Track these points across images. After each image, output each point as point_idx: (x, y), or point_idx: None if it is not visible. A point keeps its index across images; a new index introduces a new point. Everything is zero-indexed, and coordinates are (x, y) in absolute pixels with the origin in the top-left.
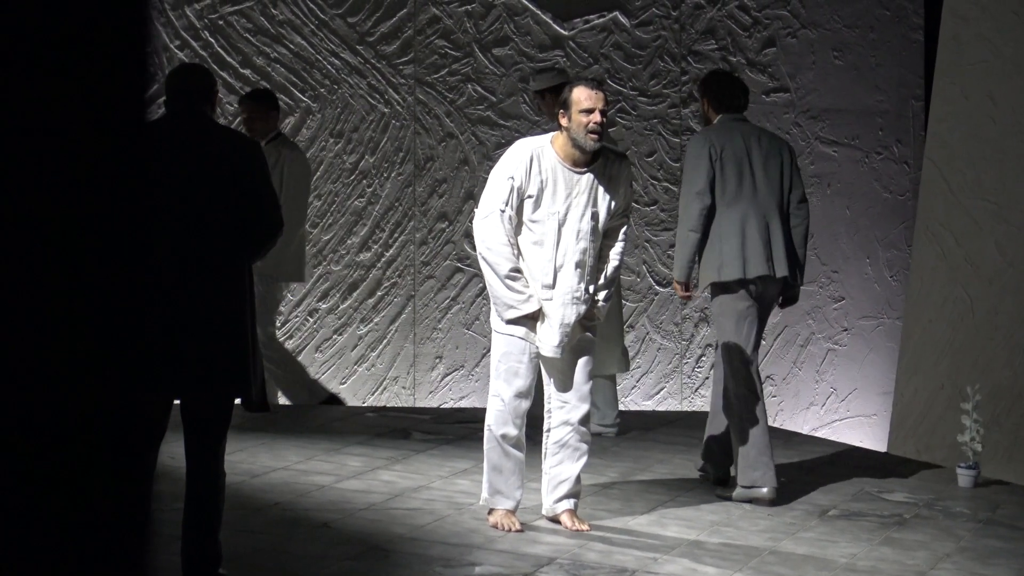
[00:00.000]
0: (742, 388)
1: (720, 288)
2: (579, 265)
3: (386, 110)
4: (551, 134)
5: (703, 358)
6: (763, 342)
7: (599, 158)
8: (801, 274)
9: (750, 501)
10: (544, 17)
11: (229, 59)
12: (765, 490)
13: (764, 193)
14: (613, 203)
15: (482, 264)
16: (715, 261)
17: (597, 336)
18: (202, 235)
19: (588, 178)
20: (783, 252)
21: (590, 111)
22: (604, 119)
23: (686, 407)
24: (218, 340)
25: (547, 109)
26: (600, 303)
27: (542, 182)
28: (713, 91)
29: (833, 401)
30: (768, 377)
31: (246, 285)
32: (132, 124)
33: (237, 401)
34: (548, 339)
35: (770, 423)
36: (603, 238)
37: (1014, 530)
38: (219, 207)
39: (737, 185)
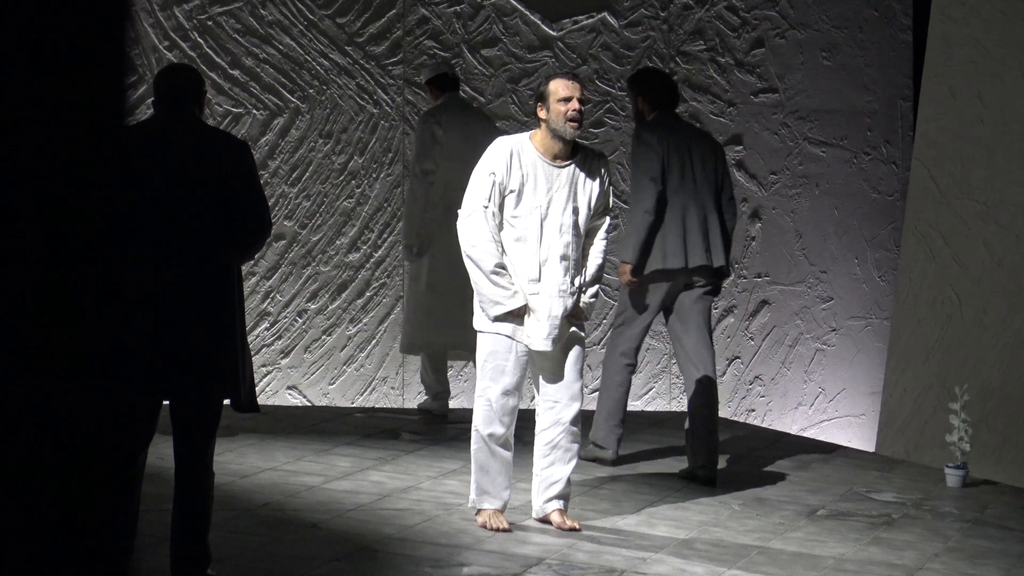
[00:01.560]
0: (622, 357)
1: (660, 275)
2: (564, 258)
3: (375, 111)
4: (530, 131)
5: None
6: (751, 342)
7: (578, 153)
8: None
9: (593, 459)
10: (533, 18)
11: (218, 60)
12: (609, 452)
13: (702, 187)
14: (593, 198)
15: (467, 262)
16: (659, 250)
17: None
18: (190, 235)
19: (568, 172)
20: (720, 243)
21: (568, 99)
22: (582, 107)
23: (675, 407)
24: (207, 341)
25: (431, 97)
26: (586, 300)
27: (523, 177)
28: (649, 89)
29: (821, 401)
30: (756, 377)
31: (234, 286)
32: (112, 124)
33: (226, 402)
34: (537, 332)
35: (759, 423)
36: (585, 237)
37: (1002, 530)
38: (207, 208)
39: (680, 177)
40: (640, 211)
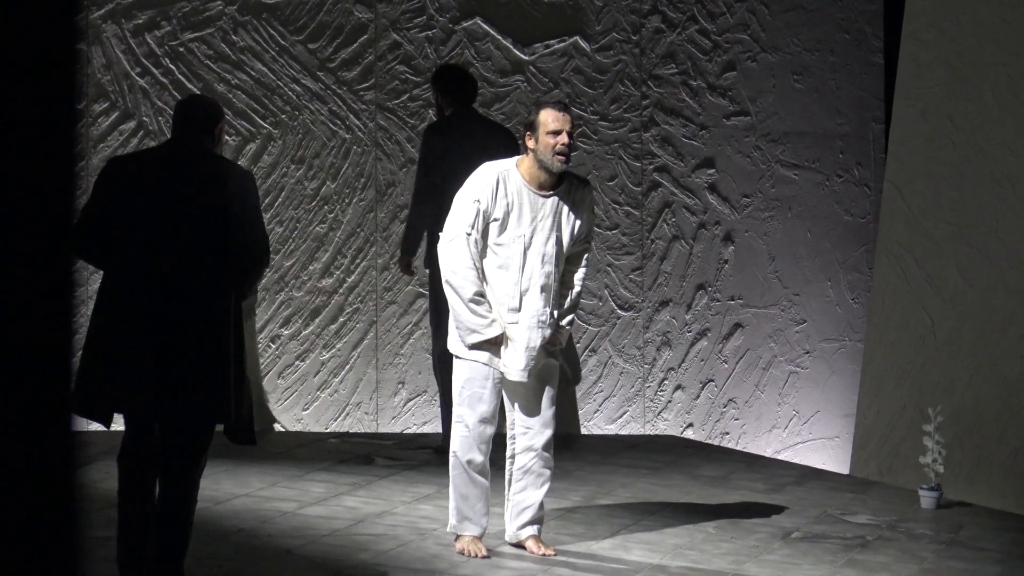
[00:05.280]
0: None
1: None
2: (544, 289)
3: (347, 136)
4: (516, 158)
5: (665, 381)
6: (725, 365)
7: (563, 182)
8: None
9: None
10: (504, 42)
11: (190, 86)
12: None
13: None
14: (576, 228)
15: (446, 288)
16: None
17: None
18: (189, 262)
19: (553, 202)
20: None
21: (557, 132)
22: (571, 141)
23: (649, 431)
24: (199, 366)
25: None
26: (564, 327)
27: (508, 205)
28: (450, 85)
29: (795, 424)
30: (730, 400)
31: (232, 314)
32: (60, 145)
33: (219, 429)
34: (514, 363)
35: (733, 446)
36: (566, 264)
37: (976, 551)
38: (208, 235)
39: (465, 171)
40: (416, 206)
